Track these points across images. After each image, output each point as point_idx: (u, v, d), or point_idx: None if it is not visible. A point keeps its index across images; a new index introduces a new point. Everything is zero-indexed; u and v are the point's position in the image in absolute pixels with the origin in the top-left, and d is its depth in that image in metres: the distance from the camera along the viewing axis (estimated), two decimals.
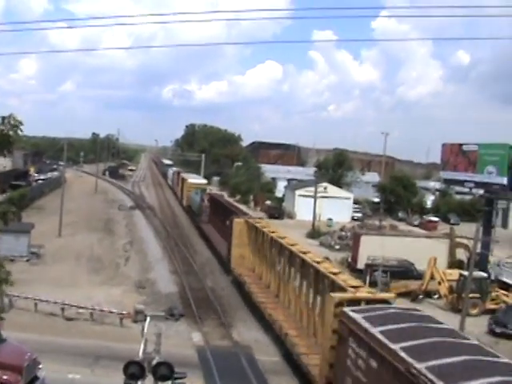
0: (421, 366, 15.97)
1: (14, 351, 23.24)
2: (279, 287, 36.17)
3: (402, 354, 17.03)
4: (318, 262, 30.40)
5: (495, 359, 16.78)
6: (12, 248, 45.08)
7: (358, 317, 20.82)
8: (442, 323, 21.07)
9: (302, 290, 31.77)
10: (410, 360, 16.56)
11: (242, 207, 68.19)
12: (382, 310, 21.78)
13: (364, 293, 24.62)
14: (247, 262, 43.69)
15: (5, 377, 21.78)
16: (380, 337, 18.71)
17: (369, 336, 19.30)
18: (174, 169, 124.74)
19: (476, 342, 19.23)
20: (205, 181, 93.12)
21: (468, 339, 19.30)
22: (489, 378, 14.88)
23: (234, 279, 43.78)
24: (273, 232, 39.86)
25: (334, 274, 27.75)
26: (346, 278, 27.13)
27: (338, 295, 23.80)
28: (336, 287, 26.00)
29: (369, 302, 23.34)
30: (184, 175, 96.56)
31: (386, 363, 17.77)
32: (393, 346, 17.71)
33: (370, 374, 18.93)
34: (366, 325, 19.90)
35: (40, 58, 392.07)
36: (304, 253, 32.77)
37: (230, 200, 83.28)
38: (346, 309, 22.05)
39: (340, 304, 22.75)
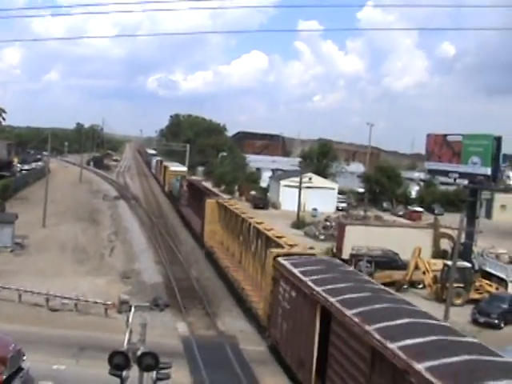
0: (319, 289, 23.44)
1: None
2: (241, 254, 41.77)
3: (309, 283, 24.51)
4: (269, 230, 36.37)
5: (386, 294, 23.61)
6: None
7: (286, 263, 27.97)
8: (348, 268, 30.32)
9: (257, 254, 37.00)
10: (313, 285, 24.09)
11: (226, 196, 68.69)
12: (306, 259, 29.14)
13: (296, 249, 31.41)
14: (218, 237, 48.86)
15: None
16: (298, 273, 26.04)
17: (291, 274, 26.59)
18: (157, 158, 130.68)
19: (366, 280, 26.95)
20: (184, 168, 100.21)
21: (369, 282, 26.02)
22: (378, 304, 21.13)
23: (207, 251, 48.84)
24: (237, 208, 46.49)
25: (278, 237, 34.16)
26: (287, 241, 33.41)
27: (275, 250, 30.54)
28: (279, 247, 31.98)
29: (300, 255, 29.94)
30: (166, 164, 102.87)
31: (301, 291, 25.09)
32: (304, 279, 25.15)
33: (291, 302, 26.33)
34: (291, 267, 27.16)
35: (24, 47, 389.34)
36: (259, 223, 38.88)
37: (208, 185, 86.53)
38: (279, 258, 28.90)
39: (277, 257, 29.30)
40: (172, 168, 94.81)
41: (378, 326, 18.58)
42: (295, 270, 26.44)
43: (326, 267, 27.40)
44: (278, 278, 28.13)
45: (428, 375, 14.98)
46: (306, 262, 28.26)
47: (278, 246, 32.29)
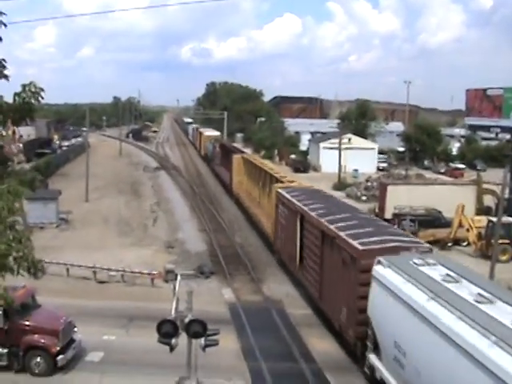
0: (299, 204, 32.97)
1: (50, 316, 23.71)
2: (259, 196, 49.25)
3: (294, 200, 34.19)
4: (277, 173, 45.58)
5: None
6: (41, 215, 45.58)
7: (283, 191, 37.42)
8: (331, 195, 41.25)
9: (269, 192, 43.10)
10: (295, 201, 33.77)
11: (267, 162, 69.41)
12: (301, 189, 38.56)
13: (294, 184, 41.28)
14: (243, 186, 56.62)
15: (42, 341, 22.30)
16: (289, 197, 35.39)
17: (285, 198, 35.89)
18: (194, 125, 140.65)
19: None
20: (217, 133, 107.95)
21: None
22: (337, 212, 30.53)
23: (235, 198, 58.53)
24: (256, 160, 56.81)
25: (282, 176, 43.98)
26: (289, 179, 43.82)
27: (278, 185, 40.06)
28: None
29: (296, 188, 39.17)
30: (201, 130, 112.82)
31: (290, 208, 34.49)
32: (293, 200, 34.47)
33: (285, 218, 35.75)
34: (285, 194, 36.58)
35: (57, 26, 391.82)
36: (271, 169, 48.11)
37: (239, 146, 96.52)
38: (279, 189, 38.23)
39: (278, 189, 38.63)
40: (206, 133, 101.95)
41: (326, 218, 28.47)
42: (287, 195, 36.01)
43: (313, 194, 37.21)
44: (278, 204, 37.57)
45: (344, 236, 24.86)
46: (297, 191, 37.65)
47: (282, 182, 41.62)
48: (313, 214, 30.04)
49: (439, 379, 16.04)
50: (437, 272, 19.23)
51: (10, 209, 12.90)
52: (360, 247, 22.97)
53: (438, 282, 18.35)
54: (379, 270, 20.74)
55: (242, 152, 69.25)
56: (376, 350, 20.99)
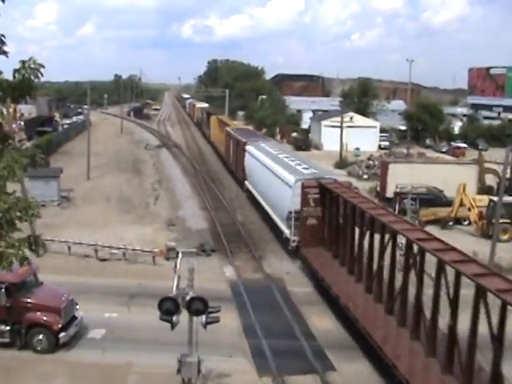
0: (242, 138, 56.65)
1: (52, 293, 23.85)
2: (225, 140, 67.15)
3: (232, 132, 62.99)
4: (229, 123, 74.77)
5: None
6: (42, 193, 45.40)
7: (231, 130, 64.57)
8: (267, 137, 71.07)
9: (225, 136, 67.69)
10: (233, 133, 62.11)
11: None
12: (238, 129, 67.06)
13: (239, 126, 76.72)
14: (217, 137, 77.78)
15: (44, 318, 22.45)
16: (234, 134, 61.40)
17: (230, 134, 62.86)
18: (190, 100, 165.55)
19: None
20: (206, 105, 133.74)
21: None
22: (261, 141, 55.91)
23: (211, 144, 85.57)
24: (223, 118, 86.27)
25: (231, 123, 76.43)
26: (236, 124, 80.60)
27: (227, 127, 68.55)
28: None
29: (240, 129, 69.61)
30: (194, 103, 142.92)
31: (235, 140, 58.19)
32: (235, 134, 60.56)
33: (232, 146, 59.86)
34: (230, 131, 64.09)
35: (57, 3, 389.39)
36: (229, 124, 75.43)
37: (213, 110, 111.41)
38: (227, 129, 66.86)
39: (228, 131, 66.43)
40: (198, 105, 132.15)
41: (249, 138, 54.14)
42: (233, 133, 61.84)
43: (250, 133, 66.54)
44: (228, 138, 63.62)
45: (238, 136, 57.63)
46: (241, 130, 66.63)
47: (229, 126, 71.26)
48: (236, 134, 59.76)
49: (266, 185, 41.88)
50: (267, 146, 49.57)
51: (11, 169, 12.79)
52: (243, 139, 54.48)
53: (265, 149, 47.63)
54: (248, 147, 50.48)
55: (217, 115, 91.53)
56: (247, 179, 49.79)
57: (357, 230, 27.54)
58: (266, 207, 41.27)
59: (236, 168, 57.62)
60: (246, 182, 49.74)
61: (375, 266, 24.76)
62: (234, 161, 59.55)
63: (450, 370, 18.47)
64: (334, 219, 30.93)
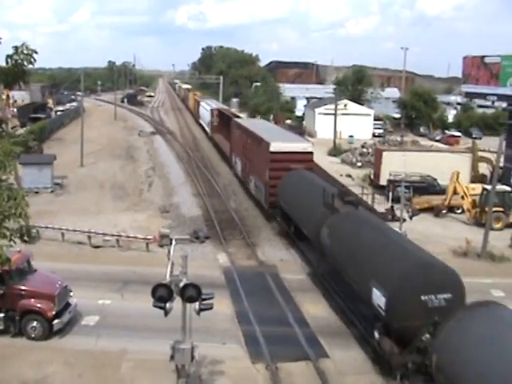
0: (199, 99, 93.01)
1: (45, 280, 23.84)
2: (193, 105, 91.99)
3: (198, 99, 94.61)
4: (197, 95, 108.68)
5: None
6: (36, 180, 45.46)
7: (197, 98, 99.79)
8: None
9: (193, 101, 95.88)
10: (199, 99, 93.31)
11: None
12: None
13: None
14: (192, 104, 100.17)
15: (38, 305, 22.43)
16: (198, 99, 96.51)
17: (196, 99, 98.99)
18: (178, 84, 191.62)
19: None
20: (189, 86, 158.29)
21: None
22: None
23: (190, 111, 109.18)
24: (196, 94, 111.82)
25: (198, 94, 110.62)
26: (198, 95, 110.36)
27: (196, 97, 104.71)
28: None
29: (201, 97, 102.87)
30: (180, 85, 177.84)
31: (197, 101, 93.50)
32: (198, 99, 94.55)
33: (195, 105, 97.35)
34: (197, 98, 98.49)
35: None
36: (196, 94, 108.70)
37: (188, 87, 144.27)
38: (195, 97, 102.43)
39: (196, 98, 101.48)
40: (183, 86, 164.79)
41: (202, 99, 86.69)
42: (197, 98, 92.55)
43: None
44: (195, 102, 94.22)
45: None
46: (201, 97, 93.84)
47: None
48: (198, 99, 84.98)
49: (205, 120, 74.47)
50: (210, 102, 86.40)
51: (2, 164, 12.78)
52: (199, 99, 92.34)
53: (208, 102, 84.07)
54: (201, 103, 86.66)
55: (195, 93, 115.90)
56: (199, 119, 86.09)
57: None
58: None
59: (196, 114, 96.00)
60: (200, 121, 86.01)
61: None
62: (196, 112, 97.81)
63: None
64: None
